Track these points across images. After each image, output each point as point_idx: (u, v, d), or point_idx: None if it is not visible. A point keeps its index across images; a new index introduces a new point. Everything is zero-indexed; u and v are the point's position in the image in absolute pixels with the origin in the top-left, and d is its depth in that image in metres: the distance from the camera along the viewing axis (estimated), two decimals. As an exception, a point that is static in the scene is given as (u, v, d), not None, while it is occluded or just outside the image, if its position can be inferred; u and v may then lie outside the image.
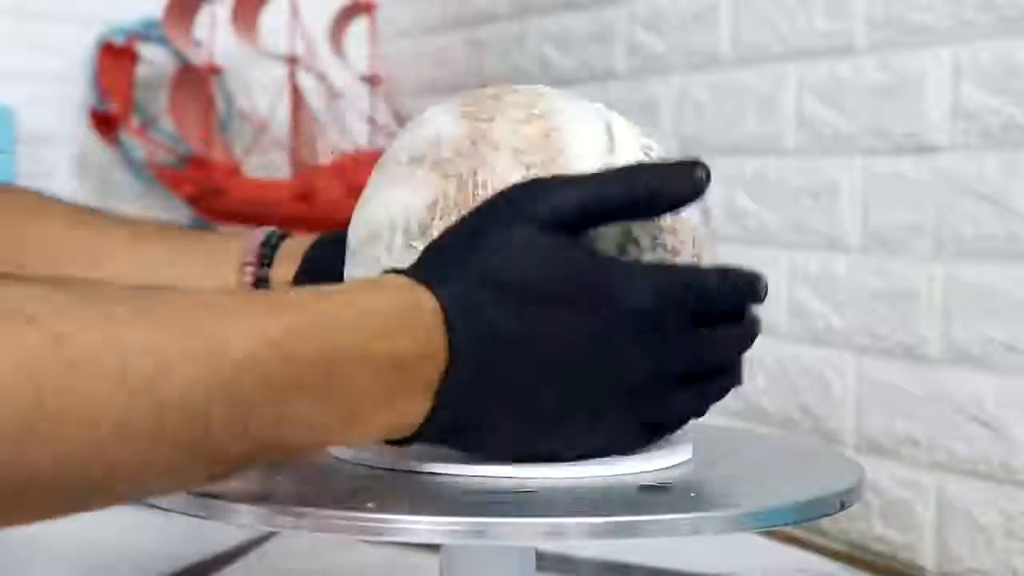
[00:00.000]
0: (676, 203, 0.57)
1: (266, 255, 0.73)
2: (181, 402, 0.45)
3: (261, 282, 0.72)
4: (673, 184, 0.57)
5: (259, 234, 0.75)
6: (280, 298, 0.52)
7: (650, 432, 0.60)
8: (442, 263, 0.55)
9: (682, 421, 0.61)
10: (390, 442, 0.56)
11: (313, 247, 0.73)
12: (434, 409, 0.53)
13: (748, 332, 0.61)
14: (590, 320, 0.55)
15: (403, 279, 0.54)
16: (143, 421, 0.45)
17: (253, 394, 0.47)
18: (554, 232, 0.55)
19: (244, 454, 0.49)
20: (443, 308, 0.53)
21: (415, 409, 0.53)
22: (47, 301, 0.45)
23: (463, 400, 0.53)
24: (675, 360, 0.57)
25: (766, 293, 0.60)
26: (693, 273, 0.59)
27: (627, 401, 0.57)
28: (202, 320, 0.47)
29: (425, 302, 0.53)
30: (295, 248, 0.74)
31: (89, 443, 0.43)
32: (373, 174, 0.63)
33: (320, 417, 0.50)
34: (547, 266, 0.54)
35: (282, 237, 0.75)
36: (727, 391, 0.61)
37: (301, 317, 0.50)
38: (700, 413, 0.61)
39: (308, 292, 0.53)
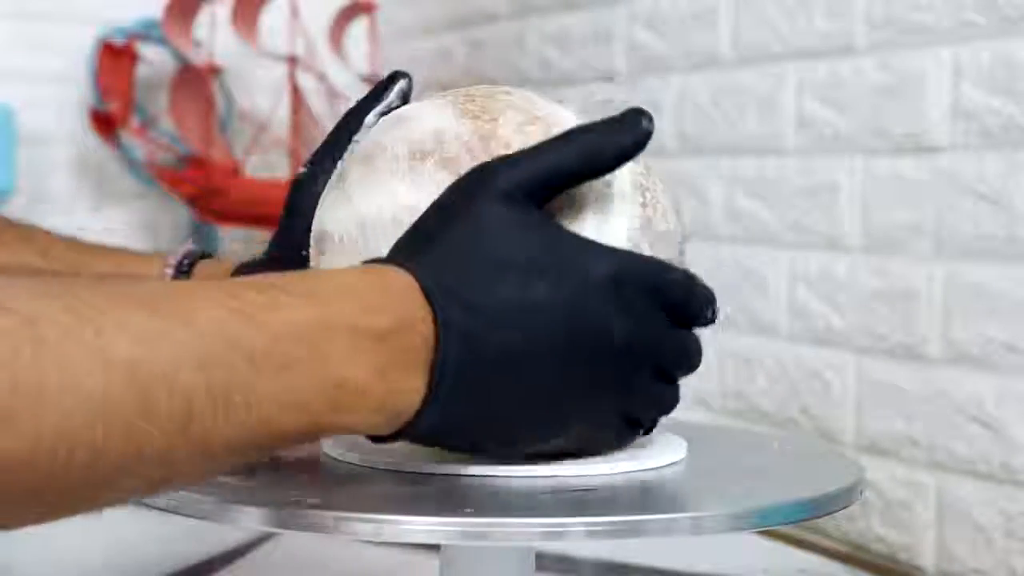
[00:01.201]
0: (622, 156, 0.57)
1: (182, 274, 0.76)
2: (162, 378, 0.45)
3: None
4: (616, 138, 0.57)
5: (174, 257, 0.77)
6: (247, 279, 0.51)
7: (627, 427, 0.60)
8: (412, 247, 0.55)
9: (655, 418, 0.61)
10: (380, 440, 0.54)
11: (238, 270, 0.73)
12: (433, 386, 0.52)
13: (699, 348, 0.61)
14: (564, 287, 0.54)
15: (373, 264, 0.54)
16: (125, 400, 0.44)
17: (231, 368, 0.47)
18: (518, 205, 0.55)
19: (232, 440, 0.47)
20: (419, 282, 0.52)
21: (411, 386, 0.52)
22: (19, 287, 0.44)
23: (459, 373, 0.52)
24: (649, 344, 0.57)
25: (715, 318, 0.60)
26: (659, 262, 0.59)
27: (603, 383, 0.56)
28: (173, 299, 0.47)
29: (399, 278, 0.53)
30: (213, 269, 0.76)
31: (71, 426, 0.43)
32: (354, 168, 0.62)
33: (304, 393, 0.49)
34: (516, 237, 0.55)
35: (202, 256, 0.78)
36: (675, 404, 0.61)
37: (272, 291, 0.49)
38: (666, 412, 0.61)
39: (275, 275, 0.53)
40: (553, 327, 0.54)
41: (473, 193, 0.56)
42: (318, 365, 0.49)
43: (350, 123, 0.68)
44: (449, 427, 0.54)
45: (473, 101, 0.61)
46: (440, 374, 0.52)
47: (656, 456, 0.62)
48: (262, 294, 0.49)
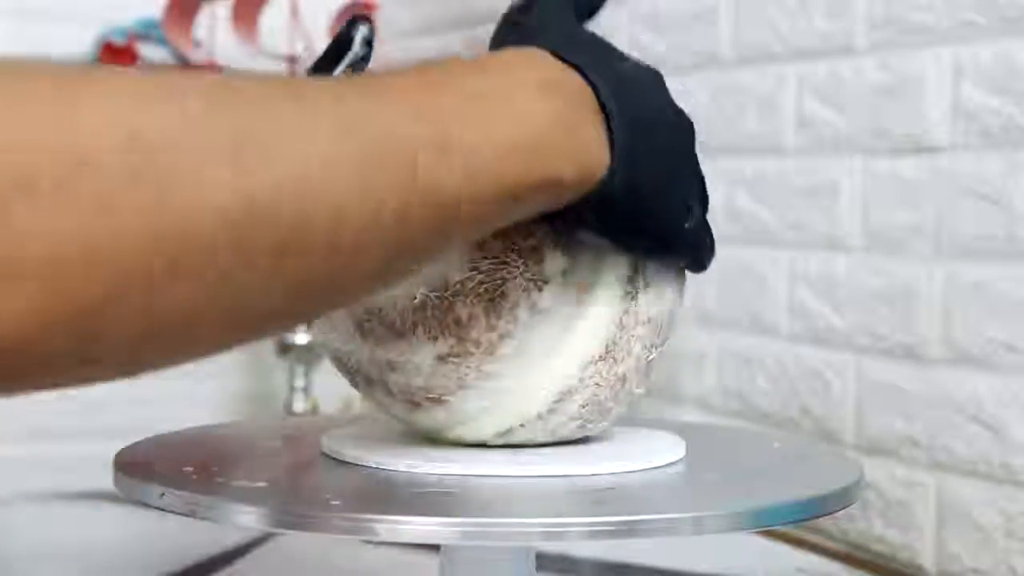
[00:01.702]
0: None
1: None
2: (380, 135, 0.45)
3: None
4: None
5: None
6: (415, 70, 0.53)
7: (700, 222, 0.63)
8: (520, 40, 0.59)
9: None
10: (573, 216, 0.56)
11: None
12: (610, 141, 0.54)
13: None
14: (643, 72, 0.60)
15: (523, 49, 0.57)
16: (348, 157, 0.44)
17: (439, 124, 0.48)
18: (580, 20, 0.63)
19: (462, 191, 0.48)
20: (560, 57, 0.56)
21: (594, 138, 0.54)
22: (217, 76, 0.45)
23: (629, 131, 0.55)
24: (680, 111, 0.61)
25: None
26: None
27: (695, 155, 0.61)
28: (362, 83, 0.50)
29: (541, 52, 0.56)
30: None
31: (300, 172, 0.42)
32: None
33: (508, 136, 0.50)
34: (596, 39, 0.61)
35: None
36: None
37: (440, 72, 0.52)
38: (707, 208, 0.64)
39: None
40: (663, 94, 0.59)
41: (551, 6, 0.63)
42: (518, 116, 0.51)
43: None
44: (632, 188, 0.56)
45: None
46: (617, 128, 0.54)
47: (656, 456, 0.62)
48: (436, 72, 0.52)
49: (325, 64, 0.66)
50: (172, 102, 0.40)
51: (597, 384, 0.62)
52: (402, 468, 0.59)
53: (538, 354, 0.61)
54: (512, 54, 0.56)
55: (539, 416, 0.61)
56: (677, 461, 0.63)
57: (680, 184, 0.59)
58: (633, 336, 0.62)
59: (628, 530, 0.52)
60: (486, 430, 0.62)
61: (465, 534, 0.52)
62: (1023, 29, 0.97)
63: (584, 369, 0.61)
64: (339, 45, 0.66)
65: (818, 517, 0.58)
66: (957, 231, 1.02)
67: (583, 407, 0.62)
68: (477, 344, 0.60)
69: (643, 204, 0.57)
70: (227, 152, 0.40)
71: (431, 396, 0.62)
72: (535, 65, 0.55)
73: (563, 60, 0.56)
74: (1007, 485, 0.97)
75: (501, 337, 0.60)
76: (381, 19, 1.87)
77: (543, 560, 0.69)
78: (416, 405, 0.63)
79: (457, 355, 0.60)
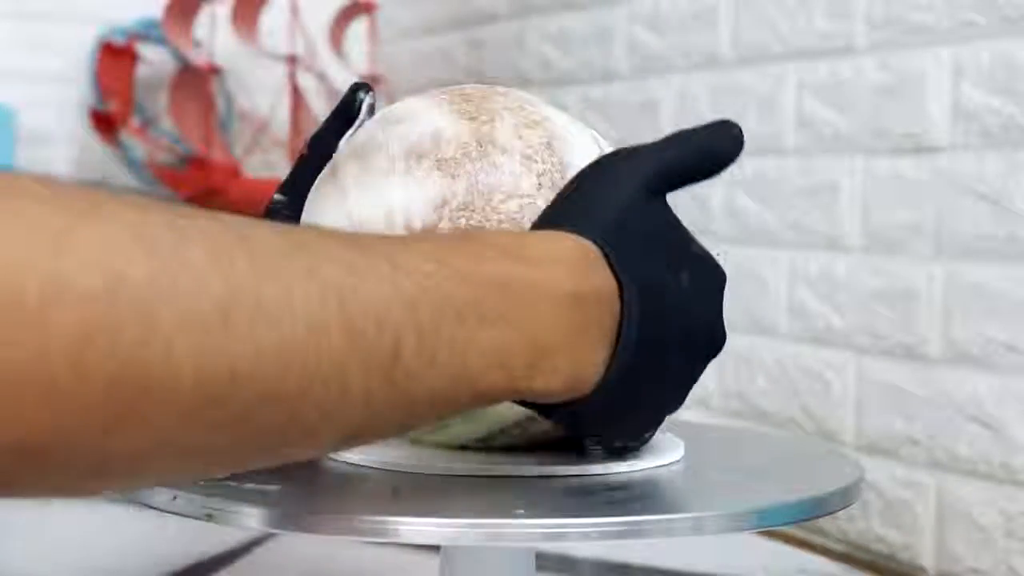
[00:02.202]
0: (726, 160, 0.60)
1: None
2: (371, 313, 0.43)
3: None
4: (720, 142, 0.60)
5: None
6: (446, 235, 0.52)
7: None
8: (572, 219, 0.55)
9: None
10: (546, 410, 0.54)
11: None
12: (611, 357, 0.52)
13: None
14: (700, 282, 0.57)
15: (559, 231, 0.54)
16: (335, 329, 0.42)
17: (436, 313, 0.46)
18: (653, 195, 0.57)
19: (435, 390, 0.46)
20: (605, 254, 0.53)
21: (595, 358, 0.52)
22: (228, 218, 0.42)
23: (636, 350, 0.53)
24: (716, 328, 0.59)
25: None
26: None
27: (697, 375, 0.59)
28: (378, 245, 0.46)
29: (590, 247, 0.53)
30: None
31: (284, 339, 0.40)
32: (348, 164, 0.61)
33: (507, 348, 0.48)
34: (662, 226, 0.56)
35: None
36: None
37: (473, 244, 0.50)
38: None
39: (477, 231, 0.54)
40: (691, 317, 0.56)
41: (615, 179, 0.57)
42: (523, 323, 0.49)
43: (319, 150, 0.65)
44: (612, 406, 0.54)
45: (469, 101, 0.61)
46: (622, 349, 0.52)
47: (656, 456, 0.62)
48: (463, 244, 0.49)
49: (329, 132, 0.65)
50: (173, 251, 0.39)
51: None
52: (402, 468, 0.59)
53: None
54: (553, 242, 0.53)
55: (517, 424, 0.61)
56: (677, 461, 0.63)
57: (662, 408, 0.58)
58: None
59: (628, 530, 0.52)
60: (462, 437, 0.62)
61: (465, 534, 0.52)
62: (1023, 29, 0.97)
63: None
64: (343, 112, 0.65)
65: (818, 517, 0.58)
66: (957, 231, 1.02)
67: None
68: None
69: (612, 421, 0.56)
70: (217, 313, 0.39)
71: None
72: (573, 264, 0.52)
73: (604, 254, 0.53)
74: (1007, 485, 0.97)
75: None
76: (381, 19, 1.87)
77: (543, 560, 0.69)
78: None
79: None
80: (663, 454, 0.62)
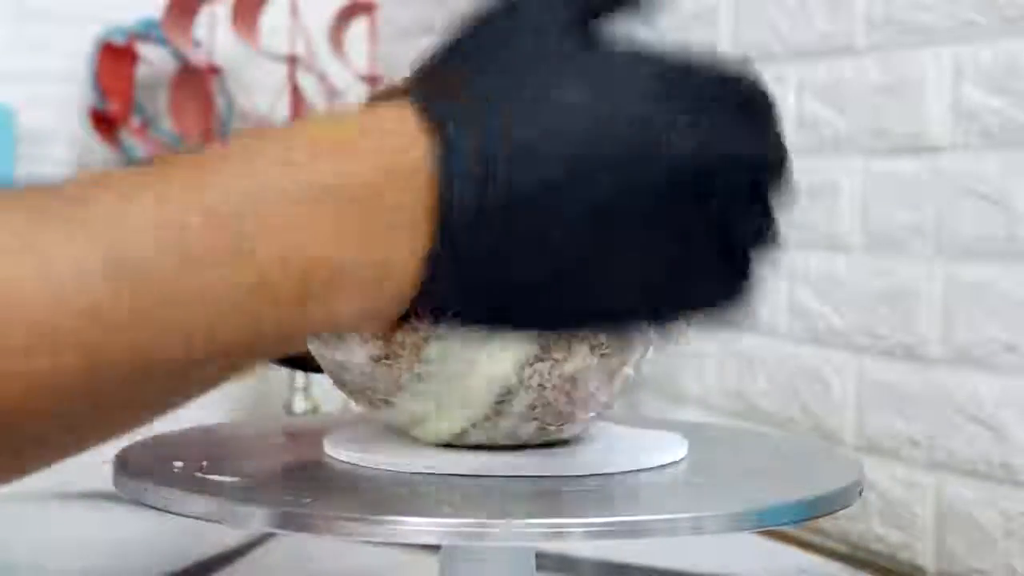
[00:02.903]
0: None
1: None
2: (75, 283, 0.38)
3: None
4: None
5: None
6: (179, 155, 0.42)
7: (729, 270, 0.48)
8: (436, 84, 0.43)
9: (754, 249, 0.49)
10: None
11: None
12: (435, 249, 0.40)
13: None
14: (613, 87, 0.45)
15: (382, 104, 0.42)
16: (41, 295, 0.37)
17: (152, 268, 0.38)
18: (565, 32, 0.44)
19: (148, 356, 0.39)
20: (419, 110, 0.41)
21: (405, 253, 0.40)
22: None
23: (473, 225, 0.40)
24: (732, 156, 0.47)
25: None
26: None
27: (687, 218, 0.45)
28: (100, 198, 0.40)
29: (390, 112, 0.41)
30: None
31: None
32: None
33: (235, 292, 0.38)
34: (571, 50, 0.44)
35: None
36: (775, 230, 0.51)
37: (202, 159, 0.41)
38: (765, 240, 0.50)
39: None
40: (600, 139, 0.42)
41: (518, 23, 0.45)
42: (270, 244, 0.39)
43: None
44: (469, 297, 0.42)
45: None
46: (443, 229, 0.40)
47: (656, 456, 0.62)
48: (190, 164, 0.40)
49: None
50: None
51: (541, 386, 0.61)
52: (402, 469, 0.59)
53: (465, 355, 0.60)
54: (315, 125, 0.42)
55: (487, 418, 0.61)
56: (678, 461, 0.63)
57: (630, 269, 0.44)
58: (574, 336, 0.60)
59: (628, 530, 0.52)
60: (441, 431, 0.62)
61: (465, 534, 0.52)
62: (1023, 29, 0.97)
63: (521, 369, 0.61)
64: None
65: (818, 517, 0.58)
66: (957, 231, 1.02)
67: (534, 408, 0.62)
68: (403, 346, 0.61)
69: (499, 307, 0.43)
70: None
71: (379, 397, 0.63)
72: (351, 146, 0.40)
73: (419, 109, 0.41)
74: (1007, 485, 0.97)
75: (425, 339, 0.60)
76: (381, 19, 1.87)
77: (543, 560, 0.69)
78: (373, 405, 0.64)
79: (387, 357, 0.61)
80: (664, 454, 0.63)
